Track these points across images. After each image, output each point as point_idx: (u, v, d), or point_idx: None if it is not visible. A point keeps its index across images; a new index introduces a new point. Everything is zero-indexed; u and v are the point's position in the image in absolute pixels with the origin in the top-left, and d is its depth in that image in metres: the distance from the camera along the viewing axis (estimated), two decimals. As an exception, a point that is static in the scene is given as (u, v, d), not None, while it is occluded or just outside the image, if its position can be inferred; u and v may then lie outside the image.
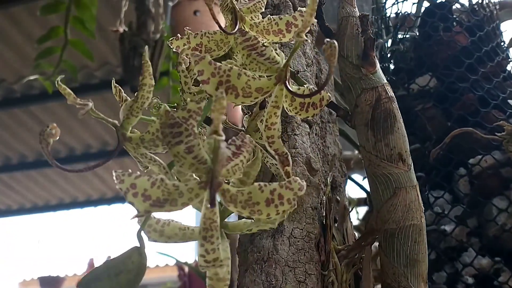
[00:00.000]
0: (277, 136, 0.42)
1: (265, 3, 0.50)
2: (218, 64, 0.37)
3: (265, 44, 0.42)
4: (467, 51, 0.84)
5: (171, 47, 0.47)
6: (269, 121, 0.42)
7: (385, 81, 0.53)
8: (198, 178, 0.35)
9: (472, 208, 0.76)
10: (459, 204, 0.77)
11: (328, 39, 0.35)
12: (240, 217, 0.46)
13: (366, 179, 0.59)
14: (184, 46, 0.46)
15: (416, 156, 0.81)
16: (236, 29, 0.45)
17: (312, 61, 0.61)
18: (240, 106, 0.61)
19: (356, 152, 1.06)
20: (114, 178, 0.32)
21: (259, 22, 0.47)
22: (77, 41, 1.48)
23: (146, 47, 0.40)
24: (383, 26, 0.92)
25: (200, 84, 0.50)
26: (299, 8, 0.47)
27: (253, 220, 0.42)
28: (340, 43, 0.54)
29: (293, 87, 0.42)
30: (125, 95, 0.42)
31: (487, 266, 0.72)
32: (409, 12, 0.90)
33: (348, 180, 1.38)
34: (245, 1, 0.48)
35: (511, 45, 0.91)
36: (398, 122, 0.51)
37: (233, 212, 0.43)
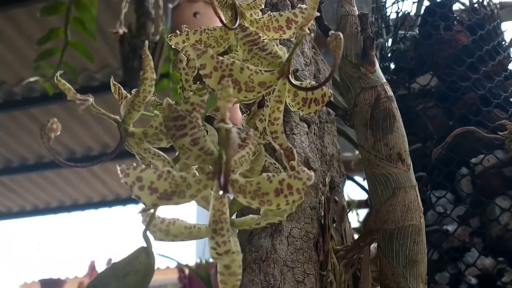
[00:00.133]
0: (281, 131, 0.42)
1: (264, 0, 0.49)
2: (221, 58, 0.37)
3: (265, 40, 0.42)
4: (468, 50, 0.83)
5: (171, 45, 0.47)
6: (272, 116, 0.41)
7: (385, 80, 0.53)
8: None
9: (475, 208, 0.75)
10: (461, 204, 0.76)
11: (333, 31, 0.35)
12: (241, 216, 0.46)
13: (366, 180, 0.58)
14: (183, 42, 0.46)
15: (418, 156, 0.80)
16: (236, 25, 0.45)
17: (310, 61, 0.61)
18: (238, 107, 0.61)
19: (357, 152, 1.06)
20: (119, 172, 0.31)
21: (259, 18, 0.47)
22: (77, 42, 1.48)
23: (147, 41, 0.40)
24: (383, 25, 0.91)
25: (199, 82, 0.50)
26: (299, 5, 0.47)
27: (260, 216, 0.41)
28: (338, 42, 0.54)
29: (297, 83, 0.42)
30: (125, 92, 0.42)
31: (490, 266, 0.72)
32: (409, 11, 0.90)
33: (349, 182, 1.38)
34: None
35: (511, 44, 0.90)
36: (398, 121, 0.51)
37: (239, 208, 0.43)
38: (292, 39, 0.60)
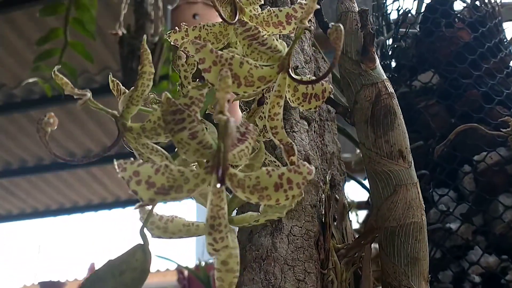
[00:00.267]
0: (281, 126, 0.42)
1: None
2: (220, 52, 0.37)
3: (265, 35, 0.41)
4: (469, 47, 0.83)
5: (171, 43, 0.47)
6: (272, 111, 0.41)
7: (385, 77, 0.52)
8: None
9: (478, 205, 0.74)
10: (464, 201, 0.75)
11: (333, 23, 0.34)
12: (241, 214, 0.46)
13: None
14: (182, 39, 0.46)
15: (420, 154, 0.80)
16: (236, 20, 0.44)
17: (310, 58, 0.60)
18: (238, 106, 0.60)
19: (358, 151, 1.05)
20: (116, 166, 0.31)
21: (259, 14, 0.47)
22: (76, 43, 1.48)
23: (145, 36, 0.40)
24: (384, 23, 0.91)
25: (198, 80, 0.50)
26: (299, 0, 0.46)
27: (259, 213, 0.41)
28: (338, 38, 0.53)
29: (297, 77, 0.42)
30: (123, 88, 0.42)
31: (494, 265, 0.71)
32: (410, 8, 0.89)
33: (348, 183, 1.37)
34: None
35: (513, 42, 0.90)
36: (398, 118, 0.51)
37: (239, 205, 0.42)
38: (292, 35, 0.60)
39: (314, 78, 0.44)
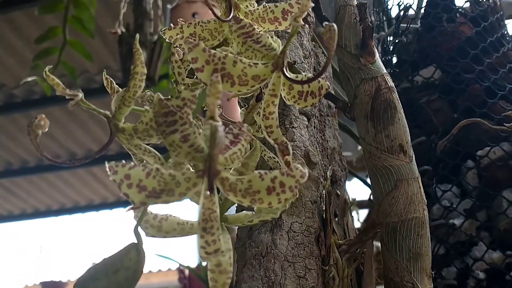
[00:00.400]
0: (276, 125, 0.41)
1: None
2: (213, 51, 0.36)
3: (260, 31, 0.41)
4: (471, 42, 0.82)
5: (166, 39, 0.47)
6: (267, 110, 0.40)
7: (385, 70, 0.52)
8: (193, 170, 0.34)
9: (481, 201, 0.74)
10: (467, 197, 0.75)
11: (327, 22, 0.34)
12: (238, 211, 0.45)
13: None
14: (177, 36, 0.45)
15: (422, 150, 0.79)
16: (230, 17, 0.44)
17: (309, 53, 0.60)
18: (237, 104, 0.60)
19: (359, 148, 1.04)
20: (107, 169, 0.31)
21: (254, 10, 0.46)
22: (76, 42, 1.48)
23: (137, 35, 0.39)
24: (384, 19, 0.90)
25: (196, 77, 0.49)
26: None
27: (254, 212, 0.41)
28: (338, 32, 0.53)
29: (291, 75, 0.41)
30: (117, 86, 0.41)
31: (499, 260, 0.70)
32: (411, 3, 0.89)
33: (351, 181, 1.37)
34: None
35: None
36: (399, 112, 0.50)
37: (232, 205, 0.42)
38: (289, 30, 0.59)
39: (310, 76, 0.44)
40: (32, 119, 0.34)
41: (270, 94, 0.39)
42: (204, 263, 1.82)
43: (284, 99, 0.42)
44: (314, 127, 0.57)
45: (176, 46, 0.47)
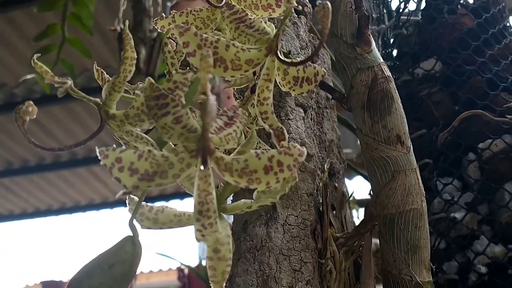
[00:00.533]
0: (271, 111, 0.41)
1: None
2: (205, 35, 0.36)
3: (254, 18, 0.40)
4: (473, 33, 0.81)
5: (157, 29, 0.46)
6: (261, 96, 0.40)
7: (381, 60, 0.51)
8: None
9: (483, 194, 0.72)
10: (469, 190, 0.73)
11: (320, 1, 0.33)
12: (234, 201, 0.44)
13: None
14: (169, 25, 0.45)
15: (423, 142, 0.78)
16: (223, 3, 0.43)
17: (306, 44, 0.59)
18: (233, 95, 0.59)
19: (359, 143, 1.03)
20: (98, 154, 0.30)
21: None
22: (75, 39, 1.47)
23: (127, 21, 0.39)
24: (385, 11, 0.89)
25: (189, 68, 0.49)
26: None
27: (252, 200, 0.40)
28: (333, 22, 0.52)
29: (286, 59, 0.40)
30: (107, 76, 0.41)
31: (501, 254, 0.69)
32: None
33: (352, 180, 1.36)
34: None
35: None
36: (396, 102, 0.49)
37: (231, 194, 0.41)
38: (286, 20, 0.58)
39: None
40: (20, 105, 0.33)
41: (264, 79, 0.38)
42: (204, 262, 1.82)
43: (279, 85, 0.41)
44: (311, 119, 0.56)
45: (169, 37, 0.46)
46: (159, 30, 0.45)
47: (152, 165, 0.31)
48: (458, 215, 0.72)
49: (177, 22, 0.44)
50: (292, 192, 0.48)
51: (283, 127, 0.40)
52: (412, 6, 0.88)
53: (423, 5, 0.88)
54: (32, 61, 0.36)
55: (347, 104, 0.51)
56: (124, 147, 0.30)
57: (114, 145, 0.31)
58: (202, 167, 0.30)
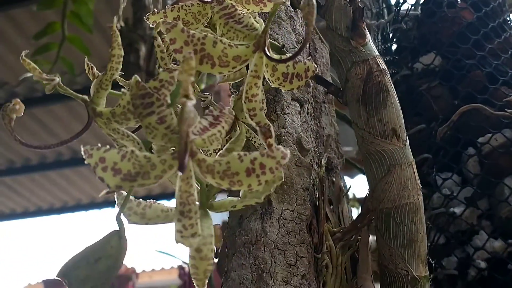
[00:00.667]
0: (259, 108, 0.40)
1: None
2: (192, 31, 0.35)
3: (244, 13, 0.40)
4: (473, 27, 0.80)
5: (150, 23, 0.46)
6: (250, 92, 0.39)
7: (377, 53, 0.50)
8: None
9: (483, 189, 0.72)
10: (468, 185, 0.73)
11: None
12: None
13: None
14: (160, 20, 0.44)
15: (422, 137, 0.78)
16: None
17: (303, 38, 0.58)
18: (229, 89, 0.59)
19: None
20: (82, 153, 0.30)
21: None
22: (74, 37, 1.47)
23: (115, 17, 0.38)
24: (384, 6, 0.88)
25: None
26: None
27: (239, 198, 0.39)
28: (328, 15, 0.51)
29: (273, 55, 0.40)
30: (97, 71, 0.41)
31: (500, 249, 0.69)
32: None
33: (354, 179, 1.35)
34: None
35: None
36: (391, 95, 0.49)
37: (218, 191, 0.41)
38: (282, 14, 0.58)
39: (304, 60, 0.42)
40: (7, 103, 0.33)
41: (252, 76, 0.38)
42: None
43: (269, 81, 0.40)
44: (308, 113, 0.55)
45: (160, 32, 0.46)
46: (151, 25, 0.45)
47: (135, 165, 0.31)
48: (458, 210, 0.72)
49: (168, 17, 0.44)
50: (287, 187, 0.48)
51: (270, 124, 0.39)
52: (411, 0, 0.88)
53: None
54: (21, 58, 0.36)
55: (342, 98, 0.51)
56: (108, 146, 0.30)
57: (99, 144, 0.31)
58: (179, 173, 0.30)
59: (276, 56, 0.39)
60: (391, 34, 0.88)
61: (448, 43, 0.81)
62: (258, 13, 0.44)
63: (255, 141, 0.48)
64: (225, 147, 0.44)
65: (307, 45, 0.61)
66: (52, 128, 3.24)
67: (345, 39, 0.50)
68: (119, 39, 0.37)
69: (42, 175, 3.82)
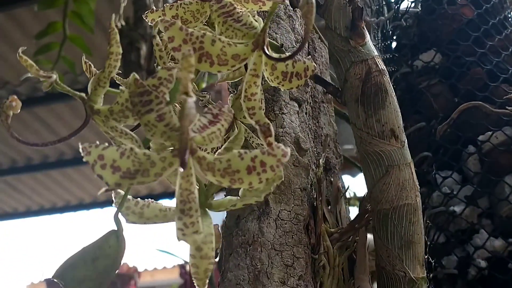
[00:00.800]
0: (258, 107, 0.40)
1: None
2: (190, 30, 0.35)
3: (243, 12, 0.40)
4: (473, 24, 0.80)
5: (148, 22, 0.45)
6: (249, 91, 0.39)
7: (376, 53, 0.50)
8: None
9: (483, 187, 0.72)
10: (468, 183, 0.73)
11: None
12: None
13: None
14: (159, 18, 0.44)
15: (422, 135, 0.77)
16: None
17: (302, 37, 0.58)
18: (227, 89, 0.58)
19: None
20: (81, 150, 0.30)
21: None
22: (75, 36, 1.47)
23: (113, 15, 0.38)
24: (384, 3, 0.88)
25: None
26: None
27: (238, 197, 0.39)
28: (327, 14, 0.51)
29: (273, 54, 0.40)
30: (95, 69, 0.41)
31: (501, 248, 0.68)
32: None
33: (356, 177, 1.34)
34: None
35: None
36: (390, 96, 0.48)
37: (217, 190, 0.41)
38: (282, 13, 0.58)
39: (306, 59, 0.42)
40: (3, 100, 0.33)
41: (251, 75, 0.38)
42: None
43: (268, 81, 0.40)
44: (306, 113, 0.55)
45: (159, 31, 0.46)
46: (149, 24, 0.45)
47: (134, 163, 0.30)
48: (458, 209, 0.71)
49: (167, 16, 0.44)
50: (285, 187, 0.48)
51: (270, 123, 0.39)
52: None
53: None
54: (17, 55, 0.36)
55: (341, 98, 0.50)
56: (107, 144, 0.30)
57: (97, 142, 0.31)
58: (181, 169, 0.30)
59: (275, 55, 0.39)
60: (391, 32, 0.87)
61: (448, 40, 0.80)
62: (257, 12, 0.44)
63: (253, 141, 0.48)
64: (223, 146, 0.44)
65: (306, 44, 0.61)
66: (54, 127, 3.24)
67: (344, 39, 0.49)
68: (117, 37, 0.37)
69: (44, 174, 3.82)
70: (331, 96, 0.63)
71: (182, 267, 2.01)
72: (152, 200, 0.39)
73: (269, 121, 0.39)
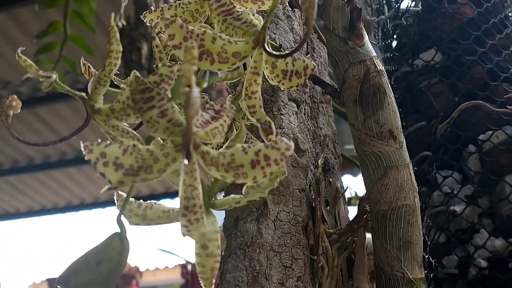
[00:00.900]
0: (259, 105, 0.40)
1: None
2: (191, 27, 0.35)
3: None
4: (473, 23, 0.80)
5: (147, 22, 0.45)
6: (249, 89, 0.39)
7: (374, 54, 0.50)
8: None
9: (484, 187, 0.71)
10: (469, 183, 0.72)
11: None
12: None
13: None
14: (158, 19, 0.44)
15: (423, 135, 0.77)
16: None
17: (301, 38, 0.58)
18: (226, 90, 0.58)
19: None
20: (82, 148, 0.30)
21: None
22: (76, 36, 1.47)
23: (112, 13, 0.38)
24: (384, 2, 0.88)
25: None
26: None
27: (242, 195, 0.39)
28: (325, 15, 0.51)
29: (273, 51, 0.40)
30: (94, 70, 0.41)
31: (501, 248, 0.68)
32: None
33: (357, 177, 1.34)
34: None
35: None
36: (388, 97, 0.48)
37: (220, 189, 0.41)
38: (280, 13, 0.58)
39: (305, 59, 0.42)
40: (4, 100, 0.33)
41: (252, 72, 0.38)
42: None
43: (268, 79, 0.40)
44: (305, 114, 0.55)
45: (159, 31, 0.46)
46: (148, 24, 0.45)
47: (137, 159, 0.30)
48: (458, 208, 0.71)
49: (166, 15, 0.44)
50: (283, 188, 0.48)
51: (271, 121, 0.39)
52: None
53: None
54: (16, 55, 0.36)
55: (339, 98, 0.50)
56: (109, 142, 0.30)
57: (99, 140, 0.31)
58: (185, 161, 0.30)
59: (275, 52, 0.39)
60: (391, 31, 0.87)
61: (448, 39, 0.80)
62: (256, 11, 0.44)
63: (251, 142, 0.48)
64: (225, 145, 0.44)
65: (305, 44, 0.61)
66: (56, 127, 3.24)
67: (343, 40, 0.49)
68: (117, 35, 0.37)
69: (46, 174, 3.83)
70: (330, 96, 0.63)
71: (183, 267, 2.01)
72: (155, 201, 0.39)
73: (270, 119, 0.39)
